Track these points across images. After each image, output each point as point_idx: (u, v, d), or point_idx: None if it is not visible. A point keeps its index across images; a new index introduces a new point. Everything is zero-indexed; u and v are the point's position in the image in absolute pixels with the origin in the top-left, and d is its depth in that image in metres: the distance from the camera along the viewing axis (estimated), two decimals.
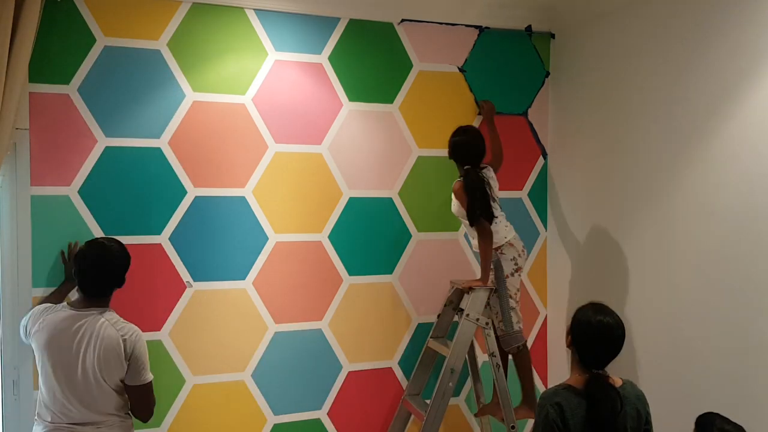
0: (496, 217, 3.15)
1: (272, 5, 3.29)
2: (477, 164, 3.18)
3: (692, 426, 2.26)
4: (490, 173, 3.24)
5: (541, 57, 3.83)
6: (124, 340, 2.43)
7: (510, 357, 3.30)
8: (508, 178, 3.69)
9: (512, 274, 3.17)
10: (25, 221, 2.94)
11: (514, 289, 3.19)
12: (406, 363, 3.55)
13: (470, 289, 3.13)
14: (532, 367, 3.33)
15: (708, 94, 2.81)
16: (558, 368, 3.78)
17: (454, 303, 3.39)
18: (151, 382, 2.52)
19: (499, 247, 3.16)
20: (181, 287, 3.18)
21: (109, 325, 2.45)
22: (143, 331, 3.08)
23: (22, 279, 2.94)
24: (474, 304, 3.11)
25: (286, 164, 3.34)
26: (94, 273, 2.50)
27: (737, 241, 2.68)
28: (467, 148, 3.18)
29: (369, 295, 3.50)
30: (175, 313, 3.17)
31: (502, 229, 3.17)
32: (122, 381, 2.48)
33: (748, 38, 2.64)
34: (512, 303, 3.18)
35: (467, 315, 3.10)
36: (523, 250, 3.22)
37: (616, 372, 2.24)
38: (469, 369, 3.49)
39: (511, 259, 3.17)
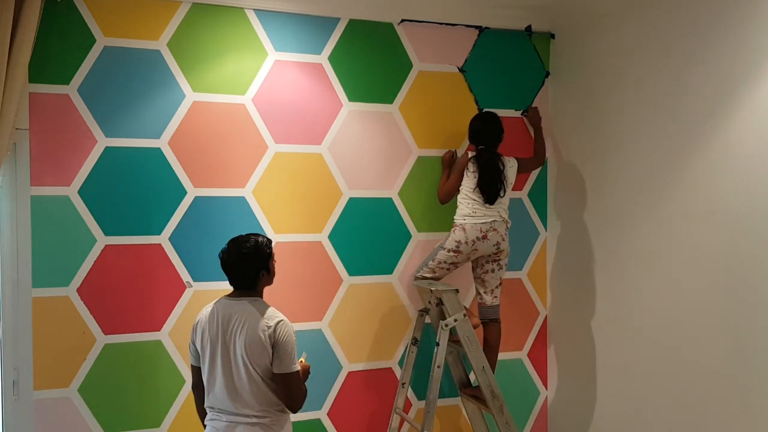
0: (474, 200, 3.29)
1: (272, 5, 3.29)
2: (489, 147, 3.36)
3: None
4: (508, 162, 3.38)
5: (541, 57, 3.83)
6: (269, 326, 2.43)
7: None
8: None
9: (448, 251, 3.31)
10: (25, 221, 2.95)
11: (437, 263, 3.34)
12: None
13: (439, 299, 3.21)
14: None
15: (708, 94, 2.81)
16: (558, 368, 3.78)
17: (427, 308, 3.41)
18: (297, 372, 2.48)
19: (455, 224, 3.34)
20: (181, 287, 3.18)
21: (256, 311, 2.46)
22: (142, 331, 3.12)
23: (22, 279, 2.94)
24: (452, 307, 3.16)
25: (286, 164, 3.34)
26: (231, 266, 2.54)
27: (737, 241, 2.68)
28: (472, 131, 3.40)
29: (369, 295, 3.50)
30: (175, 313, 3.17)
31: (464, 209, 3.32)
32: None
33: (747, 38, 2.64)
34: (426, 271, 3.37)
35: (455, 320, 3.14)
36: (473, 241, 3.27)
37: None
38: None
39: (455, 241, 3.29)
